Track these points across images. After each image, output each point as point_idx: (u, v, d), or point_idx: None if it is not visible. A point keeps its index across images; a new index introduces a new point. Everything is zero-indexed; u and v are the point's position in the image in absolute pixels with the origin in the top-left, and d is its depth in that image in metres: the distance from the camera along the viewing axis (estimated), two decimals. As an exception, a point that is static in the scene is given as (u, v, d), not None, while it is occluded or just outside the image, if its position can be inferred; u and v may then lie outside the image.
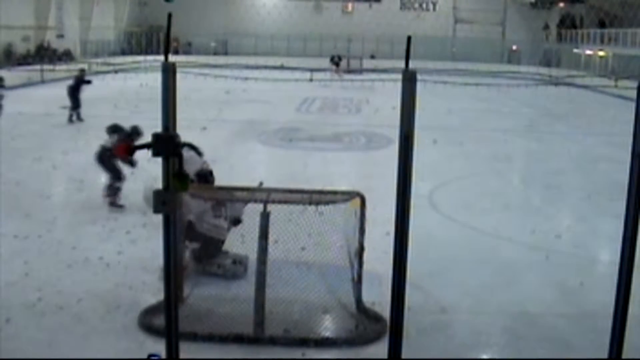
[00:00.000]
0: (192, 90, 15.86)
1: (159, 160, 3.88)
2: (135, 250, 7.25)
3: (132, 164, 8.92)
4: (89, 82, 17.30)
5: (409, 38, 4.26)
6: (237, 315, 5.47)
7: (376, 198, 6.37)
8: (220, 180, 8.29)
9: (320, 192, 5.76)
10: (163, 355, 4.21)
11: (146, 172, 8.48)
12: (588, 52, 35.82)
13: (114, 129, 9.23)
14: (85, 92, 17.12)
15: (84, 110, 17.07)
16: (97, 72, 25.87)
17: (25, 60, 28.51)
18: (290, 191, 6.12)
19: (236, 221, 6.57)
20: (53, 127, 15.99)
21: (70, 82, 17.44)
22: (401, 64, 4.27)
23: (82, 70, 17.95)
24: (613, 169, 11.48)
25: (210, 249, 6.66)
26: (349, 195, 5.64)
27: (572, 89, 25.58)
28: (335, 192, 5.85)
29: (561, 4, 41.75)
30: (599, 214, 9.61)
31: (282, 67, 29.82)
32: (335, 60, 35.23)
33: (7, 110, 14.32)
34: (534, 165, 13.87)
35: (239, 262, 6.58)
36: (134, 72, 22.71)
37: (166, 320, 4.11)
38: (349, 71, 35.08)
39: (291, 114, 20.46)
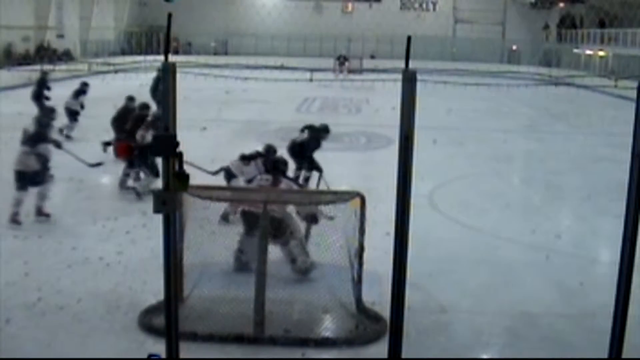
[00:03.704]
0: (192, 90, 15.85)
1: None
2: (135, 250, 7.25)
3: None
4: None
5: (409, 38, 4.27)
6: (237, 315, 5.46)
7: (376, 198, 6.37)
8: (220, 180, 8.31)
9: (321, 192, 5.76)
10: (163, 355, 4.22)
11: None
12: (588, 52, 35.78)
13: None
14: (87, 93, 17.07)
15: (84, 111, 17.03)
16: (97, 72, 25.82)
17: (25, 60, 28.45)
18: (291, 191, 6.13)
19: (312, 218, 6.23)
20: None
21: (151, 83, 17.37)
22: (401, 64, 4.27)
23: (160, 70, 18.03)
24: (613, 169, 11.46)
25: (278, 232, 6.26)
26: (349, 195, 5.64)
27: (572, 89, 25.52)
28: (335, 192, 5.85)
29: (561, 4, 41.66)
30: (599, 214, 9.61)
31: (282, 67, 29.77)
32: (341, 61, 35.68)
33: (7, 110, 14.32)
34: (534, 165, 13.86)
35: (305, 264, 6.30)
36: (134, 72, 22.67)
37: (166, 320, 4.11)
38: (350, 71, 35.23)
39: (291, 114, 20.42)
